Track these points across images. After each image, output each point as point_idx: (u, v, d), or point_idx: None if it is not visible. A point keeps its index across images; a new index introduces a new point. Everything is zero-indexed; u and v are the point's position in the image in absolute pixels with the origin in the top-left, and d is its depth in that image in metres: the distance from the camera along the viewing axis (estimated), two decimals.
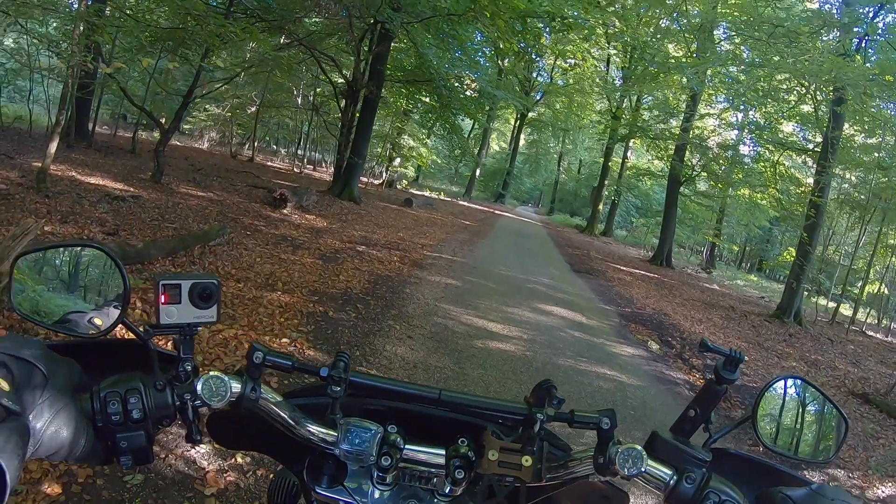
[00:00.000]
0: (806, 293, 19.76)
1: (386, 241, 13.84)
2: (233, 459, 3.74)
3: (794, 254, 19.04)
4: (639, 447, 1.00)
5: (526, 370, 6.82)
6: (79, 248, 1.08)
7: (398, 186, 36.08)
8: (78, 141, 17.17)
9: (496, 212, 38.98)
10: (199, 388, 0.96)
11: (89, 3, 12.64)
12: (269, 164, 30.50)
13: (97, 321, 1.01)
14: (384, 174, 34.95)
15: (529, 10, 17.43)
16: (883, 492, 5.93)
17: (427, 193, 37.00)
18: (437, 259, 13.33)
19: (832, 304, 22.80)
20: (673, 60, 27.96)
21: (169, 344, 1.01)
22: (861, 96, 16.63)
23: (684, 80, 25.84)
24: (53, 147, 10.16)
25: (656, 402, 6.70)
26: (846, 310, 23.47)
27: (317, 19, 20.18)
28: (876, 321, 25.22)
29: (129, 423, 0.92)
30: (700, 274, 30.13)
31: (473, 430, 1.11)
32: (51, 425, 0.82)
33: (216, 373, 0.98)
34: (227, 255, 8.72)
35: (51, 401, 0.84)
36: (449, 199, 39.82)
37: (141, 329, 1.00)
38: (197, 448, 3.75)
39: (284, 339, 5.87)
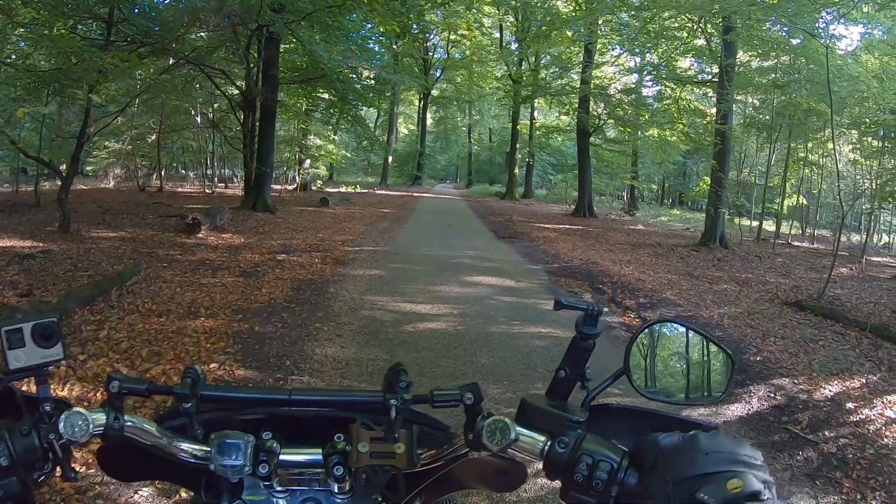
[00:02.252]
0: (728, 217, 20.23)
1: (306, 245, 13.74)
2: (177, 496, 3.72)
3: (709, 182, 19.47)
4: (505, 418, 1.00)
5: (459, 345, 6.89)
6: None
7: (313, 188, 35.63)
8: None
9: (414, 194, 38.88)
10: (61, 426, 0.95)
11: None
12: (180, 190, 29.76)
13: None
14: (297, 178, 34.55)
15: None
16: (830, 391, 6.12)
17: (343, 189, 36.74)
18: (359, 253, 13.32)
19: (755, 224, 23.42)
20: (563, 15, 28.16)
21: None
22: (748, 22, 17.01)
23: (576, 33, 26.13)
24: None
25: (596, 350, 6.72)
26: (770, 226, 24.11)
27: (201, 34, 19.80)
28: (800, 231, 26.01)
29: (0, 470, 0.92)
30: (624, 218, 30.62)
31: (348, 424, 1.10)
32: None
33: (78, 409, 0.97)
34: (146, 291, 8.56)
35: None
36: (365, 190, 39.57)
37: None
38: (140, 492, 3.74)
39: (213, 364, 5.79)
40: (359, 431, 1.06)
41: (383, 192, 40.14)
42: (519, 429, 1.00)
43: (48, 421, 0.98)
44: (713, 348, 1.19)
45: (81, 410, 0.97)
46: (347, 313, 8.08)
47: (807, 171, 25.81)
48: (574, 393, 1.10)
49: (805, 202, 26.14)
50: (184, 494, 3.73)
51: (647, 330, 1.19)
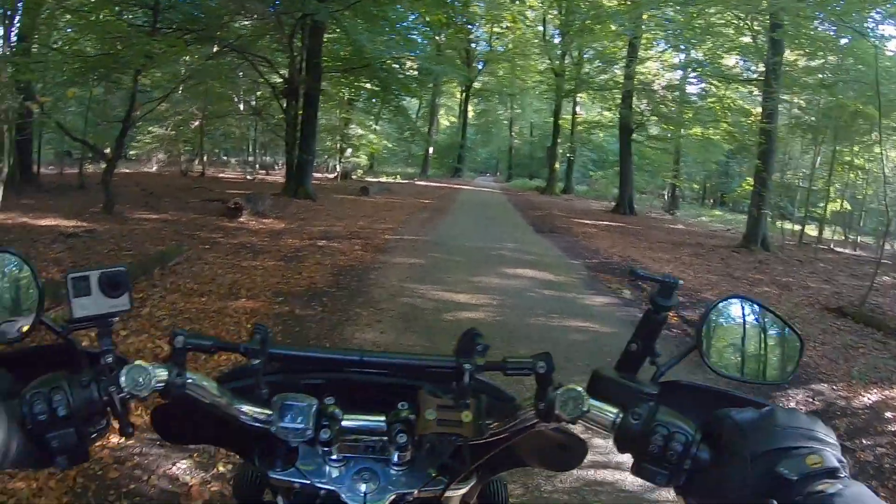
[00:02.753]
0: (770, 219, 19.93)
1: (346, 232, 13.81)
2: (214, 470, 3.74)
3: (752, 183, 19.19)
4: (578, 387, 0.96)
5: (498, 335, 6.84)
6: None
7: (353, 177, 35.88)
8: (25, 185, 16.85)
9: (454, 186, 38.86)
10: (122, 379, 0.92)
11: (13, 45, 12.47)
12: (221, 176, 30.14)
13: (25, 328, 1.00)
14: (338, 167, 34.72)
15: None
16: (869, 399, 5.99)
17: (383, 179, 36.91)
18: (399, 241, 13.35)
19: (798, 227, 23.05)
20: (607, 9, 27.97)
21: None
22: (795, 19, 16.74)
23: (620, 27, 25.94)
24: None
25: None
26: (812, 231, 23.74)
27: (245, 22, 19.96)
28: (843, 237, 25.56)
29: (57, 421, 0.90)
30: (664, 216, 30.39)
31: (413, 392, 1.07)
32: None
33: (140, 362, 0.94)
34: (188, 272, 8.65)
35: None
36: (405, 181, 39.73)
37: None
38: (177, 464, 3.76)
39: None
40: (426, 398, 1.03)
41: (423, 183, 40.24)
42: (591, 400, 0.96)
43: (109, 374, 0.95)
44: (785, 329, 1.15)
45: (144, 364, 0.95)
46: (387, 300, 8.08)
47: (852, 175, 25.19)
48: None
49: (849, 207, 25.65)
50: (221, 469, 3.77)
51: (719, 305, 1.14)
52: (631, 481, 3.98)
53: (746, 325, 1.15)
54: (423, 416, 1.01)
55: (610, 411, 0.97)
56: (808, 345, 7.68)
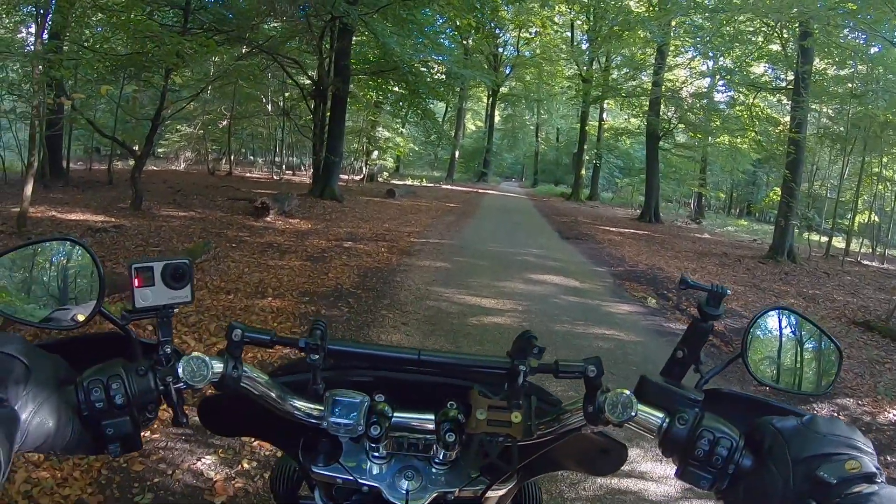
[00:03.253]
0: (797, 230, 19.78)
1: (372, 234, 13.86)
2: (239, 466, 3.77)
3: (780, 193, 19.03)
4: (627, 392, 0.99)
5: None
6: (54, 244, 1.09)
7: (379, 179, 36.07)
8: (54, 180, 17.08)
9: (480, 191, 38.95)
10: (180, 370, 0.96)
11: (45, 41, 12.59)
12: (248, 175, 30.38)
13: (80, 316, 1.01)
14: (364, 169, 34.85)
15: None
16: (894, 415, 5.94)
17: (409, 182, 37.03)
18: (425, 244, 13.38)
19: (824, 239, 22.82)
20: (635, 15, 27.90)
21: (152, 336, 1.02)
22: (826, 28, 16.61)
23: (649, 34, 25.84)
24: (29, 190, 10.10)
25: (658, 356, 6.65)
26: (839, 243, 23.48)
27: (275, 24, 20.09)
28: (870, 250, 25.25)
29: (114, 409, 0.92)
30: (690, 225, 30.21)
31: (462, 393, 1.10)
32: (36, 416, 0.83)
33: (197, 354, 0.97)
34: (215, 269, 8.71)
35: (34, 393, 0.84)
36: (431, 184, 39.82)
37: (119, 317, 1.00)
38: (202, 460, 3.79)
39: None
40: (477, 398, 1.04)
41: (449, 186, 40.34)
42: (639, 405, 0.99)
43: (166, 364, 0.98)
44: (825, 340, 1.17)
45: (201, 355, 0.97)
46: (413, 302, 8.11)
47: (880, 186, 24.96)
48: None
49: (877, 219, 25.29)
50: (245, 465, 3.79)
51: (762, 316, 1.17)
52: (654, 490, 3.99)
53: (788, 335, 1.18)
54: (474, 416, 1.03)
55: (657, 416, 1.00)
56: None
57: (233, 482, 3.63)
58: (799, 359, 1.18)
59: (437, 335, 6.79)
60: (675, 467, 0.99)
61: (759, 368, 1.14)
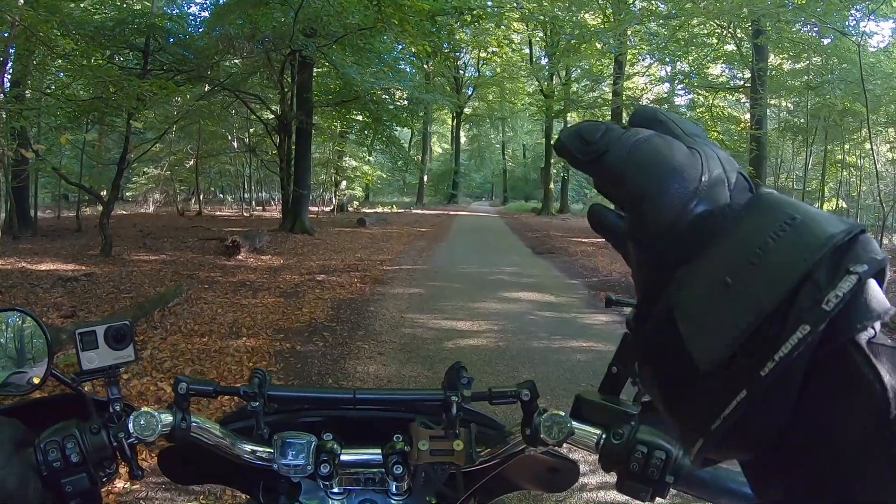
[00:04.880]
0: None
1: (344, 265, 13.79)
2: None
3: None
4: (561, 413, 1.00)
5: (500, 360, 6.86)
6: (4, 313, 1.12)
7: (349, 209, 36.00)
8: (22, 231, 16.92)
9: (450, 213, 38.91)
10: (130, 426, 0.97)
11: (7, 89, 12.56)
12: (218, 213, 30.25)
13: (35, 379, 1.06)
14: (333, 199, 34.80)
15: (436, 8, 17.43)
16: None
17: (379, 210, 37.04)
18: (398, 272, 13.36)
19: None
20: (591, 28, 28.18)
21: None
22: (777, 24, 16.88)
23: (605, 45, 26.11)
24: None
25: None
26: None
27: (235, 61, 20.11)
28: None
29: (70, 467, 0.94)
30: None
31: (406, 426, 1.11)
32: None
33: (146, 409, 0.99)
34: (188, 312, 8.65)
35: None
36: (402, 210, 39.81)
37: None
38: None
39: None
40: (418, 430, 1.07)
41: (420, 211, 40.29)
42: (574, 423, 1.00)
43: (117, 421, 1.01)
44: None
45: (150, 410, 0.99)
46: (388, 331, 8.09)
47: (845, 173, 25.25)
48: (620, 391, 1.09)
49: (845, 205, 25.60)
50: None
51: None
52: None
53: None
54: (416, 447, 1.06)
55: (593, 433, 1.01)
56: None
57: None
58: None
59: (414, 363, 6.78)
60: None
61: None
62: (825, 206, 23.03)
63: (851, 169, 25.06)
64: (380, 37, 19.69)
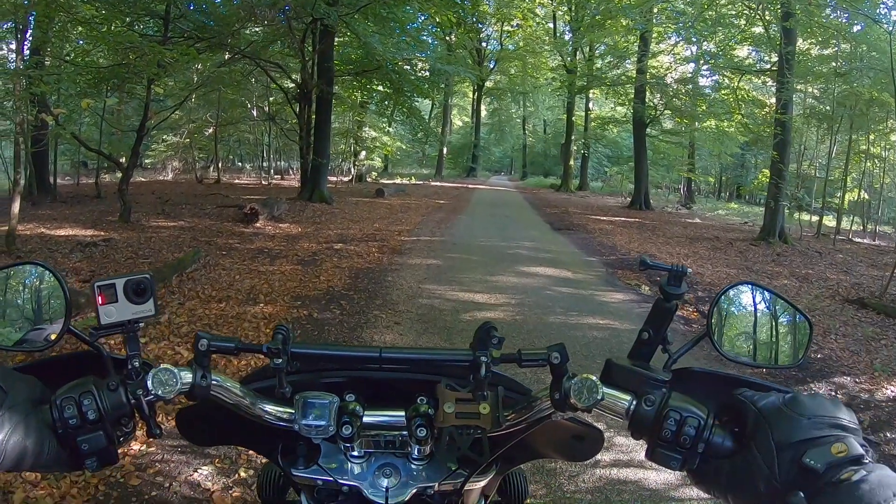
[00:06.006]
0: (787, 211, 19.78)
1: (362, 235, 13.84)
2: (236, 476, 3.75)
3: (768, 175, 19.02)
4: (592, 377, 0.99)
5: (517, 335, 6.84)
6: (23, 268, 1.11)
7: (368, 179, 36.06)
8: (42, 197, 17.03)
9: (469, 186, 38.96)
10: (149, 382, 0.96)
11: (26, 57, 12.55)
12: (237, 181, 30.31)
13: (53, 336, 1.03)
14: (352, 170, 34.82)
15: None
16: (892, 391, 5.92)
17: (398, 181, 37.04)
18: (416, 242, 13.37)
19: (815, 219, 22.86)
20: (617, 3, 27.88)
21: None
22: (807, 7, 16.63)
23: (631, 22, 25.85)
24: (16, 207, 10.05)
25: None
26: (830, 221, 23.51)
27: (256, 29, 20.03)
28: (861, 227, 25.32)
29: (87, 424, 0.93)
30: (680, 211, 30.24)
31: (431, 388, 1.10)
32: (12, 436, 0.85)
33: (166, 366, 0.98)
34: (206, 278, 8.68)
35: (10, 414, 0.86)
36: (420, 182, 39.83)
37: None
38: (199, 471, 3.77)
39: None
40: (444, 392, 1.05)
41: (438, 183, 40.36)
42: (605, 388, 0.99)
43: (135, 378, 0.99)
44: (793, 313, 1.17)
45: (170, 367, 0.98)
46: (405, 301, 8.10)
47: (869, 164, 24.90)
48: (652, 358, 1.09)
49: (867, 197, 25.30)
50: (242, 474, 3.77)
51: (728, 292, 1.17)
52: (654, 479, 3.98)
53: (755, 310, 1.18)
54: (441, 409, 1.04)
55: (623, 399, 1.00)
56: (829, 338, 7.64)
57: (230, 492, 3.61)
58: (767, 332, 1.19)
59: (430, 333, 6.78)
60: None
61: (727, 344, 1.15)
62: (847, 197, 22.83)
63: (875, 160, 24.78)
64: (403, 6, 19.58)
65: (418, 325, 7.05)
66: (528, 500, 1.49)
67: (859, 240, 21.44)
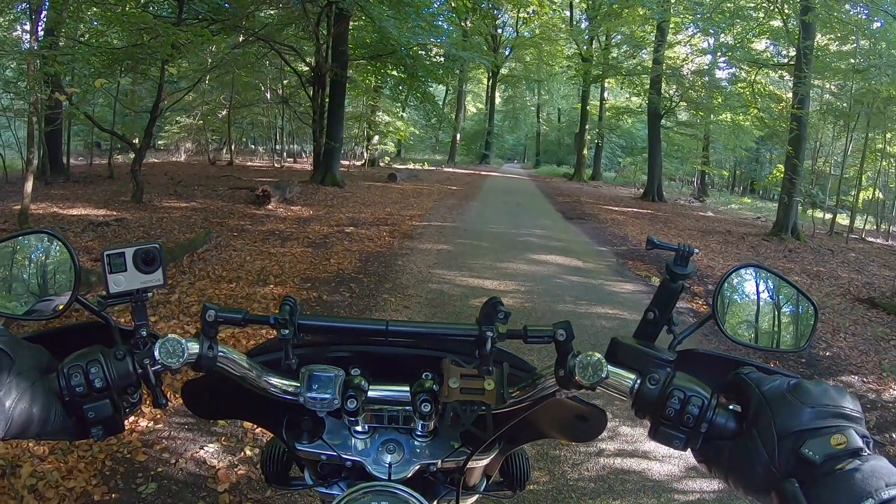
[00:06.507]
0: (801, 208, 19.69)
1: (374, 219, 13.87)
2: (242, 453, 3.78)
3: (783, 170, 18.93)
4: (598, 354, 0.98)
5: (526, 321, 6.72)
6: (32, 237, 1.12)
7: (381, 164, 36.10)
8: (55, 176, 17.09)
9: (482, 173, 38.96)
10: (156, 352, 0.96)
11: (40, 38, 12.58)
12: (249, 164, 30.41)
13: (61, 306, 1.04)
14: (365, 154, 34.86)
15: None
16: None
17: (410, 166, 37.00)
18: (427, 227, 13.39)
19: (829, 216, 22.75)
20: None
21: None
22: (827, 2, 16.50)
23: (648, 11, 25.72)
24: (29, 187, 10.10)
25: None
26: (844, 220, 23.40)
27: (271, 11, 20.04)
28: (875, 227, 25.19)
29: (94, 393, 0.93)
30: (693, 203, 30.16)
31: (436, 363, 1.10)
32: (19, 403, 0.86)
33: (173, 335, 0.97)
34: (217, 258, 8.72)
35: (17, 381, 0.87)
36: (433, 168, 39.82)
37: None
38: (205, 448, 3.79)
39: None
40: (449, 367, 1.05)
41: (451, 169, 40.36)
42: (610, 367, 0.98)
43: (142, 347, 0.99)
44: (799, 297, 1.17)
45: (177, 337, 0.97)
46: (415, 286, 8.13)
47: (884, 163, 24.78)
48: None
49: (881, 196, 25.14)
50: (248, 452, 3.80)
51: (733, 275, 1.17)
52: (657, 469, 3.98)
53: (761, 293, 1.17)
54: (446, 385, 1.03)
55: (628, 377, 0.99)
56: (838, 336, 7.60)
57: (235, 469, 3.64)
58: (773, 315, 1.18)
59: (439, 317, 6.81)
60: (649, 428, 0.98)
61: (732, 327, 1.14)
62: (861, 196, 22.70)
63: (892, 159, 24.62)
64: None
65: (427, 310, 7.07)
66: (530, 483, 1.48)
67: (872, 239, 21.33)
